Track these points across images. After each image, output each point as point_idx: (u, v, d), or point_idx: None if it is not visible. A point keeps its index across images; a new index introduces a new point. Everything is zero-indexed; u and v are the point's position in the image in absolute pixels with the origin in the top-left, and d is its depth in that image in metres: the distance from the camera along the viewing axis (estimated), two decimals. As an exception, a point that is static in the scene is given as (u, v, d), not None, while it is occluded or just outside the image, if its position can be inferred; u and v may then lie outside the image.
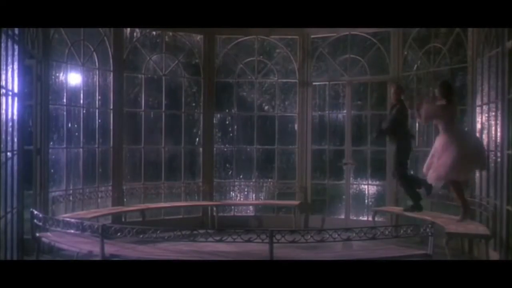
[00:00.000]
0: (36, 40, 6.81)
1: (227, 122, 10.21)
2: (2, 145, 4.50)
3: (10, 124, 4.84)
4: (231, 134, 10.15)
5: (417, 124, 8.44)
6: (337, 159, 9.48)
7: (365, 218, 9.07)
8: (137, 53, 9.47)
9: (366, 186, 9.36)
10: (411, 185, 7.90)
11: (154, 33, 9.69)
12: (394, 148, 8.03)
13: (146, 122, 9.24)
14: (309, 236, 5.12)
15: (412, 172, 8.22)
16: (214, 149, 9.64)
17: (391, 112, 8.09)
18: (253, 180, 9.67)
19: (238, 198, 9.69)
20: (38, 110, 6.95)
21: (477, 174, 7.18)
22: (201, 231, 5.20)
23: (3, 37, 4.51)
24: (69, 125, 7.82)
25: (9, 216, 4.82)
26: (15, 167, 5.01)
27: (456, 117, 7.15)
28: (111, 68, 8.48)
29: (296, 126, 9.70)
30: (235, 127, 10.07)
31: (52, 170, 7.43)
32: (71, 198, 7.75)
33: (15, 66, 5.03)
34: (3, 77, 4.56)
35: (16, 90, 5.06)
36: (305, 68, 9.44)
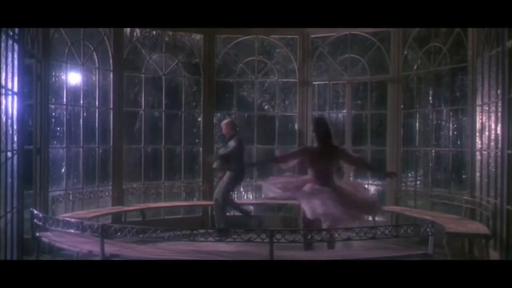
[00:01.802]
0: (36, 39, 6.81)
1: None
2: (2, 145, 4.49)
3: (10, 123, 4.83)
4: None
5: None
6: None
7: (365, 218, 9.05)
8: (137, 53, 9.47)
9: (366, 186, 9.35)
10: (231, 210, 8.69)
11: (154, 32, 9.68)
12: (227, 178, 8.34)
13: (146, 122, 9.24)
14: (309, 236, 5.11)
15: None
16: (214, 149, 9.63)
17: (228, 144, 8.39)
18: (253, 179, 9.66)
19: (238, 198, 9.68)
20: (38, 110, 6.94)
21: (478, 173, 7.19)
22: (201, 230, 5.20)
23: (3, 36, 4.50)
24: (69, 124, 7.81)
25: (9, 215, 4.81)
26: (15, 167, 5.01)
27: (330, 165, 6.44)
28: (111, 68, 8.47)
29: (296, 126, 9.69)
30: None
31: (52, 170, 7.42)
32: (71, 198, 7.75)
33: (15, 66, 5.02)
34: (3, 76, 4.56)
35: (16, 89, 5.05)
36: (305, 68, 9.44)
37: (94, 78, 8.34)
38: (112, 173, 8.51)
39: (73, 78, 8.04)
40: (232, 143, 8.32)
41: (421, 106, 8.69)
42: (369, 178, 9.31)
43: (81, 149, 8.03)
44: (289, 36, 9.75)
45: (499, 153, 6.22)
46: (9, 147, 4.77)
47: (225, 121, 8.65)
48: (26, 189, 5.91)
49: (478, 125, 7.23)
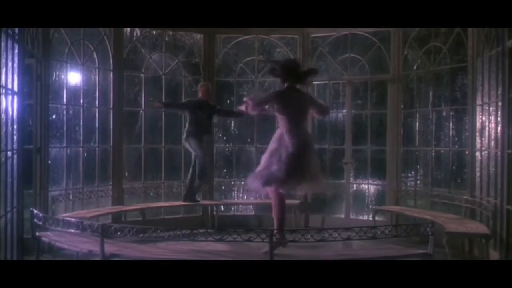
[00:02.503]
0: (36, 39, 6.81)
1: (227, 122, 10.20)
2: (2, 144, 4.50)
3: (10, 123, 4.84)
4: (231, 133, 10.14)
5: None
6: (337, 158, 9.48)
7: (365, 218, 9.08)
8: (137, 52, 9.45)
9: (366, 186, 9.37)
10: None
11: (154, 32, 9.67)
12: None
13: (146, 121, 9.24)
14: (309, 236, 5.12)
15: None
16: (214, 148, 9.64)
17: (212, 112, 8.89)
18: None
19: (238, 197, 9.69)
20: (38, 109, 6.94)
21: (478, 173, 7.19)
22: (201, 230, 5.20)
23: (3, 36, 4.51)
24: (69, 124, 7.81)
25: (9, 215, 4.82)
26: (15, 166, 5.01)
27: (301, 111, 5.64)
28: (111, 67, 8.47)
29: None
30: (235, 126, 10.07)
31: (52, 169, 7.43)
32: (71, 198, 7.75)
33: (15, 65, 5.03)
34: (3, 76, 4.56)
35: (16, 89, 5.06)
36: (305, 67, 9.41)
37: (94, 78, 8.33)
38: (112, 173, 8.51)
39: (73, 77, 8.03)
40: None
41: (421, 106, 8.69)
42: (369, 178, 9.31)
43: (81, 149, 8.03)
44: (289, 36, 9.74)
45: (499, 153, 6.22)
46: (9, 147, 4.77)
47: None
48: (26, 188, 5.91)
49: (478, 125, 7.23)
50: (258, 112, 5.96)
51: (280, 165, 5.41)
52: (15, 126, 5.01)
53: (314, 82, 9.59)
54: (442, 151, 8.50)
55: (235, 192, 9.69)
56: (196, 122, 8.63)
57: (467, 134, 7.70)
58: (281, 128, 5.65)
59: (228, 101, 10.27)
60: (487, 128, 6.90)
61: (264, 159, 5.69)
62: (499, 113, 6.25)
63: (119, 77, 8.56)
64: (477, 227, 6.66)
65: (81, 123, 8.01)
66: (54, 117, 7.55)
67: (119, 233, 5.26)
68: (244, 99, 5.86)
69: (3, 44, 4.49)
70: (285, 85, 5.73)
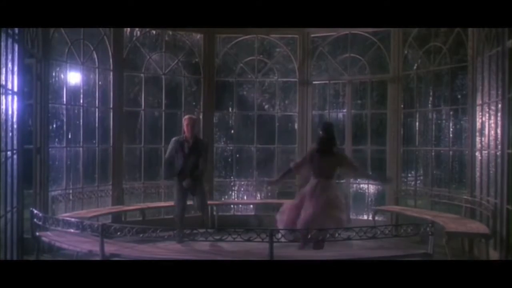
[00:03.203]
0: (36, 39, 6.80)
1: (227, 121, 10.21)
2: (2, 144, 4.50)
3: (10, 123, 4.83)
4: (231, 133, 10.15)
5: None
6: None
7: (365, 218, 9.08)
8: (137, 52, 9.46)
9: (366, 185, 9.36)
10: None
11: (154, 32, 9.68)
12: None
13: (146, 121, 9.24)
14: (309, 236, 5.12)
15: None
16: (214, 148, 9.64)
17: (199, 149, 7.50)
18: (253, 179, 9.67)
19: (238, 197, 9.69)
20: (38, 109, 6.94)
21: (478, 173, 7.19)
22: (201, 230, 5.21)
23: (3, 36, 4.50)
24: (69, 124, 7.81)
25: (9, 215, 4.82)
26: (15, 166, 5.01)
27: (328, 171, 6.41)
28: (111, 67, 8.47)
29: (296, 125, 9.70)
30: (235, 126, 10.07)
31: (52, 169, 7.42)
32: (71, 197, 7.75)
33: (15, 65, 5.02)
34: (3, 76, 4.56)
35: (16, 89, 5.05)
36: (305, 67, 9.44)
37: (94, 77, 8.33)
38: (112, 173, 8.52)
39: (73, 77, 8.03)
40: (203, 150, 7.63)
41: (421, 106, 8.69)
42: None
43: (81, 149, 8.03)
44: (289, 36, 9.75)
45: (499, 153, 6.22)
46: (9, 147, 4.77)
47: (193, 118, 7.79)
48: (26, 188, 5.91)
49: (478, 125, 7.23)
50: (301, 173, 6.99)
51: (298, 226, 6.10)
52: (15, 126, 5.01)
53: (314, 82, 9.60)
54: (442, 151, 8.51)
55: (235, 192, 9.69)
56: (178, 165, 7.52)
57: (467, 134, 7.70)
58: (311, 181, 6.48)
59: (228, 102, 10.28)
60: (487, 128, 6.90)
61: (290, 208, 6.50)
62: (499, 113, 6.25)
63: (119, 77, 8.56)
64: (477, 227, 6.66)
65: (81, 123, 8.01)
66: (54, 117, 7.55)
67: (119, 233, 5.27)
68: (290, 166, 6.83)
69: (3, 44, 4.49)
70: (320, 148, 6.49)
